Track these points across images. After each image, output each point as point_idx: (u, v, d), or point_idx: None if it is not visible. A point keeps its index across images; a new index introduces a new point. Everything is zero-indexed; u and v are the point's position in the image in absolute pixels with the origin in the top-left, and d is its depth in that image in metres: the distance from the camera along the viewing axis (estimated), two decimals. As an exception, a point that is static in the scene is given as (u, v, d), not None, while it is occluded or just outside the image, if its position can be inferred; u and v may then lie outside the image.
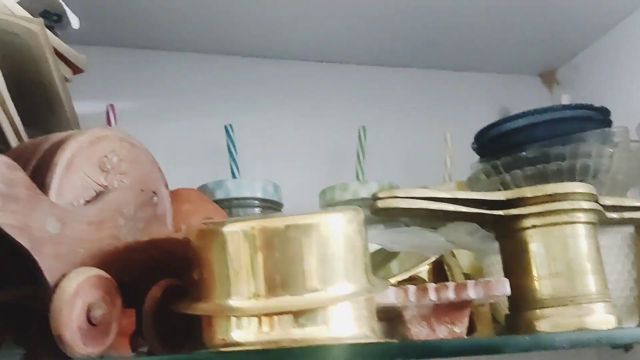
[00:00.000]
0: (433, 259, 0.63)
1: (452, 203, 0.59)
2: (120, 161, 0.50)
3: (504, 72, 1.11)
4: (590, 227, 0.60)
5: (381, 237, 0.70)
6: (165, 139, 0.89)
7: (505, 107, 1.00)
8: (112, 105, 0.81)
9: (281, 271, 0.43)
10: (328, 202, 0.84)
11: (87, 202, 0.47)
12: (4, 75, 0.55)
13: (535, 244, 0.59)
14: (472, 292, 0.53)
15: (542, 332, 0.56)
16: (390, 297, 0.53)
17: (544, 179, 0.68)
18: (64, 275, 0.42)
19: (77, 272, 0.42)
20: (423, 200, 0.57)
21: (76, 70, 0.69)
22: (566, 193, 0.59)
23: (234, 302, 0.43)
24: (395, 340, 0.51)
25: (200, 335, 0.46)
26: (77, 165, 0.46)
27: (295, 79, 1.01)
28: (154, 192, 0.53)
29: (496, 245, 0.63)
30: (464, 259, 0.77)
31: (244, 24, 0.92)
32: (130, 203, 0.49)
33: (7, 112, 0.55)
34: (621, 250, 0.67)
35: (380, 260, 0.74)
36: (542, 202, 0.59)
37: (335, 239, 0.45)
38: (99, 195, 0.47)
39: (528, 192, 0.59)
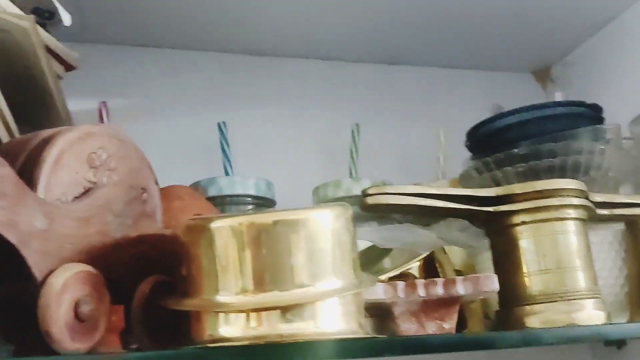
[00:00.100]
0: (424, 255, 0.63)
1: (442, 199, 0.59)
2: (109, 157, 0.50)
3: (497, 69, 1.11)
4: (580, 224, 0.60)
5: (373, 234, 0.70)
6: (158, 136, 0.89)
7: (498, 104, 1.00)
8: (104, 103, 0.81)
9: (269, 267, 0.43)
10: (321, 199, 0.85)
11: (76, 198, 0.47)
12: (-5, 71, 0.55)
13: (525, 240, 0.59)
14: (461, 288, 0.53)
15: (532, 328, 0.56)
16: (379, 293, 0.53)
17: (535, 175, 0.69)
18: (51, 271, 0.42)
19: (65, 267, 0.43)
20: (412, 197, 0.57)
21: (68, 67, 0.69)
22: (556, 189, 0.59)
23: (221, 297, 0.44)
24: (383, 336, 0.51)
25: (188, 331, 0.46)
26: (65, 161, 0.46)
27: (289, 76, 1.01)
28: (143, 189, 0.53)
29: (487, 241, 0.64)
30: (455, 255, 0.77)
31: (237, 21, 0.92)
32: (119, 199, 0.49)
33: (-2, 109, 0.55)
34: (612, 246, 0.67)
35: (373, 257, 0.74)
36: (532, 199, 0.59)
37: (323, 235, 0.45)
38: (87, 191, 0.47)
39: (518, 188, 0.60)
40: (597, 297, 0.58)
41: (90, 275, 0.44)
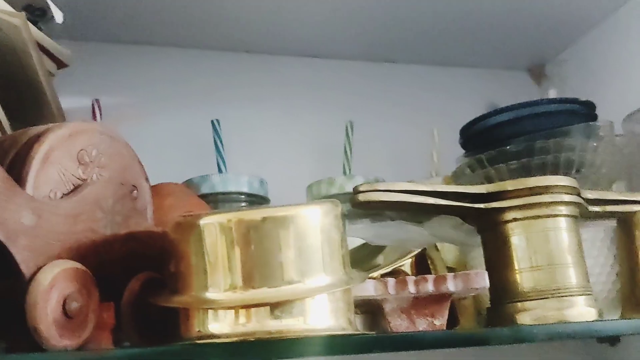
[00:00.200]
0: (415, 252, 0.63)
1: (433, 196, 0.59)
2: (100, 155, 0.50)
3: (492, 67, 1.11)
4: (571, 220, 0.60)
5: (365, 231, 0.70)
6: (152, 133, 0.89)
7: (493, 102, 1.00)
8: (97, 100, 0.81)
9: (258, 263, 0.43)
10: (314, 197, 0.85)
11: (65, 195, 0.47)
12: (-14, 69, 0.55)
13: (517, 237, 0.59)
14: (452, 284, 0.53)
15: (523, 324, 0.56)
16: (370, 289, 0.53)
17: (528, 172, 0.69)
18: (39, 268, 0.42)
19: (53, 264, 0.42)
20: (403, 194, 0.57)
21: (61, 64, 0.69)
22: (547, 186, 0.59)
23: (210, 294, 0.44)
24: (372, 333, 0.51)
25: (178, 328, 0.46)
26: (54, 158, 0.46)
27: (283, 74, 1.00)
28: (134, 186, 0.53)
29: (479, 238, 0.63)
30: (449, 252, 0.77)
31: (231, 19, 0.92)
32: (108, 196, 0.49)
33: (-9, 106, 0.55)
34: (604, 243, 0.67)
35: (366, 255, 0.74)
36: (523, 196, 0.59)
37: (312, 231, 0.45)
38: (76, 188, 0.47)
39: (509, 185, 0.60)
40: (588, 294, 0.58)
41: (79, 272, 0.44)
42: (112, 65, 0.92)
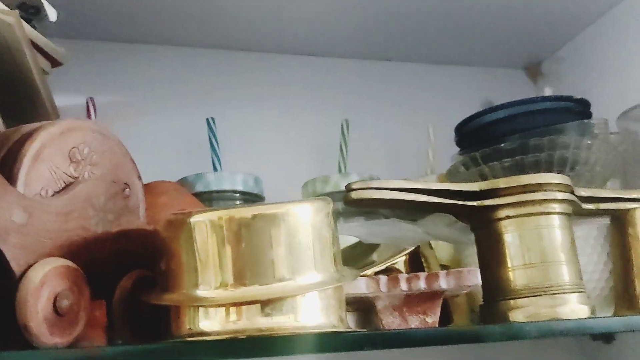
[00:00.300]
0: (409, 250, 0.63)
1: (426, 194, 0.59)
2: (92, 152, 0.50)
3: (488, 65, 1.11)
4: (564, 218, 0.60)
5: (358, 230, 0.70)
6: (147, 132, 0.89)
7: (489, 100, 1.00)
8: (91, 99, 0.81)
9: (249, 261, 0.43)
10: (310, 195, 0.85)
11: (56, 192, 0.47)
12: (-20, 67, 0.55)
13: (510, 235, 0.59)
14: (444, 282, 0.54)
15: (514, 322, 0.56)
16: (362, 287, 0.53)
17: (522, 170, 0.69)
18: (30, 266, 0.42)
19: (44, 262, 0.43)
20: (397, 192, 0.57)
21: (55, 63, 0.68)
22: (540, 184, 0.59)
23: (201, 292, 0.44)
24: (364, 330, 0.51)
25: (169, 326, 0.46)
26: (46, 155, 0.46)
27: (278, 72, 1.00)
28: (126, 184, 0.53)
29: (473, 236, 0.63)
30: (443, 250, 0.77)
31: (226, 17, 0.92)
32: (100, 194, 0.49)
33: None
34: (597, 241, 0.67)
35: (360, 253, 0.74)
36: (516, 193, 0.59)
37: (303, 229, 0.45)
38: (68, 186, 0.47)
39: (502, 182, 0.59)
40: (581, 292, 0.58)
41: (70, 270, 0.44)
42: (107, 64, 0.92)
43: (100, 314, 0.50)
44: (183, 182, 0.80)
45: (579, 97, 0.76)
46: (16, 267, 0.42)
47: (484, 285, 0.60)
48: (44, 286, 0.42)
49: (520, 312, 0.57)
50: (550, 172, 0.67)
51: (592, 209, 0.65)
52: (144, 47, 0.95)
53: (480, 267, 0.61)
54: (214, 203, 0.79)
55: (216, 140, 0.86)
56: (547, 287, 0.57)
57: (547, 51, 1.10)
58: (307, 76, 1.02)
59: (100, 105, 0.82)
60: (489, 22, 1.00)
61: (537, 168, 0.69)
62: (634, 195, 0.67)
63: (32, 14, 0.68)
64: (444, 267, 0.71)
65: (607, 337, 0.93)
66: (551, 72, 1.11)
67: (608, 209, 0.65)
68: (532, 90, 1.12)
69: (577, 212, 0.63)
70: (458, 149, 0.81)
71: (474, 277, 0.54)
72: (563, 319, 0.55)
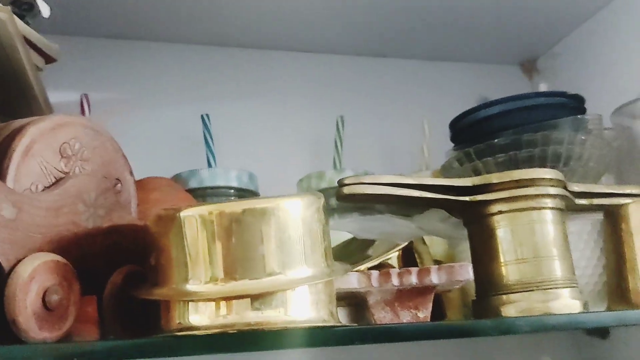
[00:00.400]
0: (402, 246, 0.63)
1: (419, 189, 0.59)
2: (83, 148, 0.50)
3: (484, 61, 1.11)
4: (557, 213, 0.60)
5: (352, 225, 0.70)
6: (141, 128, 0.89)
7: (484, 96, 1.00)
8: (85, 95, 0.81)
9: (239, 255, 0.43)
10: (304, 191, 0.85)
11: (47, 188, 0.47)
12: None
13: (502, 230, 0.59)
14: (435, 277, 0.54)
15: (505, 316, 0.56)
16: (353, 282, 0.53)
17: (515, 166, 0.68)
18: (19, 260, 0.42)
19: (33, 257, 0.43)
20: (389, 187, 0.57)
21: (49, 59, 0.68)
22: (532, 179, 0.59)
23: (191, 286, 0.44)
24: (354, 325, 0.51)
25: (159, 321, 0.46)
26: (36, 151, 0.46)
27: (273, 69, 1.00)
28: (117, 180, 0.53)
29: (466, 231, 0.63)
30: (438, 246, 0.77)
31: (221, 14, 0.92)
32: (91, 189, 0.49)
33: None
34: (591, 236, 0.67)
35: (355, 248, 0.75)
36: (509, 188, 0.59)
37: (293, 223, 0.45)
38: (58, 181, 0.47)
39: (494, 178, 0.59)
40: (573, 287, 0.58)
41: (59, 265, 0.44)
42: (101, 60, 0.91)
43: (92, 310, 0.50)
44: (177, 178, 0.80)
45: (573, 92, 0.76)
46: (5, 262, 0.42)
47: (476, 281, 0.60)
48: (32, 281, 0.42)
49: (513, 307, 0.57)
50: (544, 167, 0.67)
51: (585, 204, 0.65)
52: (139, 43, 0.94)
53: (472, 262, 0.61)
54: (208, 199, 0.79)
55: (210, 136, 0.86)
56: (539, 282, 0.58)
57: (543, 47, 1.10)
58: (302, 73, 1.02)
59: (94, 102, 0.82)
60: (484, 18, 1.00)
61: (530, 163, 0.68)
62: (627, 191, 0.67)
63: (25, 10, 0.68)
64: (437, 262, 0.71)
65: (602, 332, 0.93)
66: (546, 68, 1.11)
67: (601, 204, 0.65)
68: (527, 86, 1.12)
69: (570, 208, 0.63)
70: (453, 144, 0.81)
71: (466, 272, 0.54)
72: (555, 314, 0.55)
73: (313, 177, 0.85)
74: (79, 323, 0.51)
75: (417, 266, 0.66)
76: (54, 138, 0.48)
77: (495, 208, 0.59)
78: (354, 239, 0.72)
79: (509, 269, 0.58)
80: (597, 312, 0.60)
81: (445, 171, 0.76)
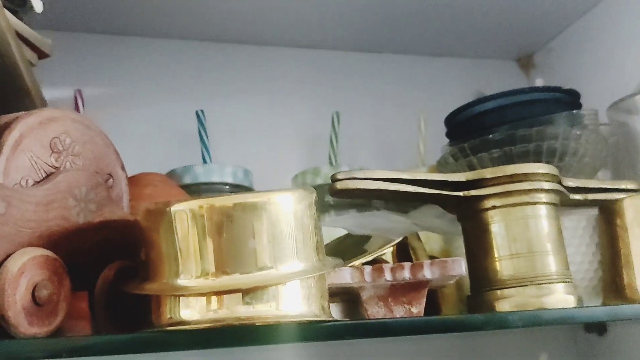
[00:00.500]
0: (396, 242, 0.63)
1: (412, 184, 0.59)
2: (73, 143, 0.50)
3: (481, 57, 1.11)
4: (551, 208, 0.60)
5: (348, 221, 0.70)
6: (136, 124, 0.89)
7: (481, 91, 1.00)
8: (79, 91, 0.81)
9: (230, 250, 0.43)
10: (300, 187, 0.84)
11: (37, 182, 0.46)
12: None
13: (496, 225, 0.59)
14: (428, 272, 0.53)
15: (497, 311, 0.56)
16: (346, 277, 0.53)
17: (510, 161, 0.68)
18: (9, 255, 0.42)
19: (23, 252, 0.42)
20: (382, 182, 0.57)
21: (42, 55, 0.68)
22: (526, 174, 0.59)
23: (182, 281, 0.43)
24: (346, 320, 0.51)
25: (150, 316, 0.46)
26: (25, 145, 0.46)
27: (268, 64, 1.00)
28: (109, 175, 0.53)
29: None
30: (435, 243, 0.77)
31: (215, 9, 0.91)
32: (81, 184, 0.48)
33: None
34: (586, 231, 0.67)
35: (352, 244, 0.74)
36: (502, 183, 0.59)
37: (285, 218, 0.45)
38: (49, 176, 0.47)
39: (488, 173, 0.59)
40: (567, 282, 0.58)
41: (49, 260, 0.44)
42: (95, 56, 0.91)
43: (86, 306, 0.50)
44: (171, 174, 0.79)
45: (570, 88, 0.76)
46: (-6, 257, 0.41)
47: (471, 276, 0.60)
48: (22, 276, 0.42)
49: (507, 302, 0.57)
50: (539, 162, 0.67)
51: (580, 200, 0.64)
52: (133, 39, 0.94)
53: (467, 257, 0.61)
54: (203, 195, 0.78)
55: (205, 132, 0.85)
56: (533, 277, 0.57)
57: (540, 42, 1.10)
58: (298, 68, 1.01)
59: (88, 98, 0.82)
60: (481, 13, 1.00)
61: (525, 159, 0.68)
62: (622, 186, 0.67)
63: (17, 5, 0.68)
64: (431, 258, 0.71)
65: (599, 329, 0.93)
66: (543, 63, 1.11)
67: (596, 200, 0.65)
68: (524, 81, 1.11)
69: (564, 203, 0.63)
70: (448, 140, 0.81)
71: (459, 267, 0.54)
72: (548, 309, 0.55)
73: (308, 173, 0.84)
74: (72, 319, 0.51)
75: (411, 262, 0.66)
76: (44, 133, 0.48)
77: (489, 203, 0.59)
78: (349, 235, 0.72)
79: (503, 264, 0.58)
80: (590, 306, 0.60)
81: (440, 167, 0.76)
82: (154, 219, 0.45)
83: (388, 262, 0.63)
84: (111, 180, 0.53)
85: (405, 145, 0.95)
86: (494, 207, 0.59)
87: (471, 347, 0.95)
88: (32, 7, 0.68)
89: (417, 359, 0.92)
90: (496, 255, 0.59)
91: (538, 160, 0.68)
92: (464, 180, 0.60)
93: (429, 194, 0.59)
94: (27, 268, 0.42)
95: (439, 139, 0.83)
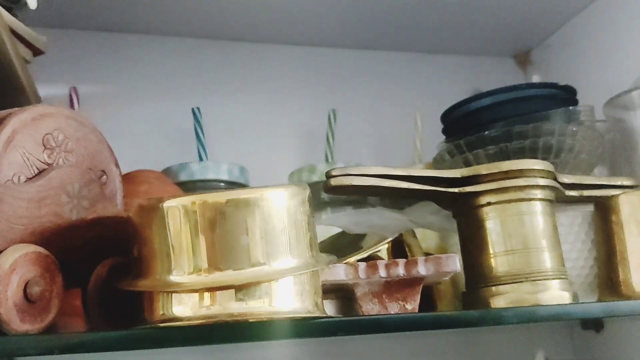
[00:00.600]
0: (390, 239, 0.63)
1: (407, 181, 0.58)
2: (66, 139, 0.50)
3: (478, 53, 1.11)
4: (546, 204, 0.60)
5: (343, 219, 0.70)
6: (131, 122, 0.89)
7: (478, 88, 0.99)
8: (74, 88, 0.80)
9: (223, 246, 0.43)
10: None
11: (29, 179, 0.46)
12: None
13: (491, 221, 0.59)
14: (422, 268, 0.53)
15: (491, 307, 0.56)
16: (341, 274, 0.52)
17: (506, 157, 0.68)
18: (0, 252, 0.42)
19: (14, 248, 0.42)
20: (376, 178, 0.57)
21: (37, 52, 0.68)
22: (521, 170, 0.59)
23: (175, 277, 0.43)
24: (339, 316, 0.51)
25: (143, 312, 0.46)
26: (17, 141, 0.46)
27: (265, 62, 1.00)
28: (103, 171, 0.53)
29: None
30: (431, 240, 0.77)
31: (211, 6, 0.91)
32: (74, 181, 0.48)
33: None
34: (581, 228, 0.67)
35: (348, 242, 0.74)
36: (498, 179, 0.59)
37: (278, 214, 0.44)
38: (41, 172, 0.47)
39: (483, 169, 0.59)
40: (562, 278, 0.58)
41: (41, 256, 0.43)
42: (90, 53, 0.91)
43: (79, 303, 0.50)
44: (167, 171, 0.79)
45: (564, 84, 0.76)
46: (-14, 253, 0.41)
47: (466, 272, 0.60)
48: (14, 272, 0.41)
49: (502, 299, 0.57)
50: (535, 159, 0.67)
51: (575, 196, 0.64)
52: (128, 36, 0.94)
53: (462, 253, 0.60)
54: (198, 193, 0.78)
55: (201, 129, 0.85)
56: (528, 274, 0.57)
57: (537, 39, 1.09)
58: (294, 65, 1.01)
59: (83, 95, 0.82)
60: (478, 10, 0.99)
61: (521, 155, 0.68)
62: (617, 182, 0.66)
63: (12, 1, 0.67)
64: (427, 255, 0.71)
65: (596, 325, 0.93)
66: (540, 60, 1.10)
67: (592, 196, 0.65)
68: (521, 78, 1.11)
69: (560, 199, 0.63)
70: (445, 137, 0.81)
71: (453, 263, 0.54)
72: (543, 305, 0.55)
73: (304, 170, 0.84)
74: (65, 316, 0.51)
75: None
76: (36, 129, 0.48)
77: (484, 199, 0.59)
78: (344, 232, 0.71)
79: (498, 261, 0.58)
80: (586, 303, 0.60)
81: (436, 164, 0.76)
82: (146, 215, 0.45)
83: (383, 259, 0.63)
84: (105, 176, 0.53)
85: (402, 143, 0.95)
86: (489, 204, 0.59)
87: (468, 344, 0.95)
88: (26, 3, 0.67)
89: (413, 357, 0.92)
90: (491, 251, 0.59)
91: (534, 156, 0.68)
92: (459, 176, 0.59)
93: (424, 190, 0.59)
94: (19, 265, 0.42)
95: (435, 136, 0.83)
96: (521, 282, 0.57)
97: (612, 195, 0.65)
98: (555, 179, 0.62)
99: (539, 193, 0.59)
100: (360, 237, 0.73)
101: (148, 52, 0.94)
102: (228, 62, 0.98)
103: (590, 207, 0.67)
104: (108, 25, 0.92)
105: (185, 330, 0.42)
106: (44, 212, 0.46)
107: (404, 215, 0.71)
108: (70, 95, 0.80)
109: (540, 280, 0.57)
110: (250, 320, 0.42)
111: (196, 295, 0.43)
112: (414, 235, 0.68)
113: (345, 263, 0.54)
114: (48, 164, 0.48)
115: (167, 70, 0.94)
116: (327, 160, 0.90)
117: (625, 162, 0.79)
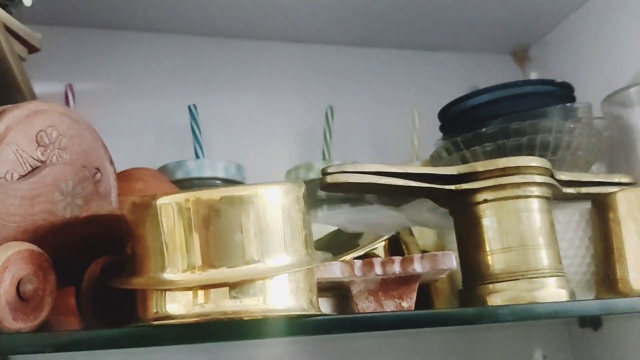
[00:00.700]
0: (387, 237, 0.62)
1: (404, 178, 0.58)
2: (60, 136, 0.49)
3: (476, 51, 1.10)
4: (543, 201, 0.60)
5: (340, 217, 0.70)
6: (128, 119, 0.88)
7: (476, 86, 0.99)
8: (70, 85, 0.80)
9: (217, 243, 0.43)
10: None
11: (22, 176, 0.46)
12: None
13: (488, 219, 0.59)
14: (419, 266, 0.53)
15: (487, 305, 0.55)
16: (336, 272, 0.52)
17: (503, 154, 0.68)
18: (-8, 250, 0.42)
19: (7, 246, 0.42)
20: (372, 175, 0.57)
21: (32, 49, 0.68)
22: (518, 167, 0.59)
23: (168, 275, 0.43)
24: (333, 314, 0.50)
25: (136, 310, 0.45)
26: (11, 138, 0.46)
27: (262, 59, 0.99)
28: (97, 169, 0.52)
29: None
30: (429, 238, 0.77)
31: (207, 3, 0.91)
32: (68, 178, 0.48)
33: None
34: (579, 225, 0.66)
35: (345, 238, 0.74)
36: (494, 177, 0.59)
37: (272, 211, 0.44)
38: (34, 170, 0.47)
39: (480, 166, 0.59)
40: (559, 276, 0.58)
41: (34, 254, 0.43)
42: (86, 50, 0.90)
43: (73, 301, 0.50)
44: (164, 169, 0.79)
45: (561, 80, 0.75)
46: (-22, 251, 0.41)
47: (462, 270, 0.60)
48: (6, 270, 0.41)
49: (499, 296, 0.57)
50: (532, 156, 0.66)
51: (572, 193, 0.64)
52: (124, 33, 0.93)
53: (459, 251, 0.60)
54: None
55: (198, 127, 0.85)
56: (525, 271, 0.57)
57: (535, 36, 1.09)
58: (291, 63, 1.01)
59: (79, 92, 0.82)
60: (476, 7, 0.99)
61: (519, 152, 0.68)
62: (615, 180, 0.66)
63: (7, -1, 0.67)
64: (424, 253, 0.71)
65: (594, 323, 0.93)
66: (539, 57, 1.10)
67: (589, 193, 0.65)
68: (519, 75, 1.11)
69: (557, 196, 0.63)
70: (442, 134, 0.80)
71: (449, 261, 0.54)
72: (540, 303, 0.54)
73: (301, 168, 0.84)
74: (59, 315, 0.51)
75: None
76: (30, 126, 0.47)
77: (480, 197, 0.59)
78: (341, 230, 0.71)
79: (494, 258, 0.58)
80: (583, 300, 0.59)
81: (434, 161, 0.75)
82: (140, 212, 0.44)
83: (379, 257, 0.63)
84: (99, 174, 0.53)
85: (400, 140, 0.95)
86: (485, 201, 0.59)
87: (465, 342, 0.95)
88: (21, 1, 0.67)
89: (410, 355, 0.92)
90: (488, 249, 0.58)
91: (531, 153, 0.67)
92: (455, 173, 0.59)
93: (421, 187, 0.59)
94: (12, 262, 0.41)
95: (433, 134, 0.83)
96: (518, 279, 0.57)
97: (610, 193, 0.64)
98: (552, 176, 0.61)
99: (536, 190, 0.59)
100: (357, 235, 0.72)
101: (144, 50, 0.94)
102: (224, 59, 0.97)
103: (587, 205, 0.67)
104: (103, 23, 0.91)
105: (179, 329, 0.42)
106: (37, 209, 0.45)
107: (401, 213, 0.71)
108: (66, 93, 0.80)
109: (537, 277, 0.57)
110: (244, 319, 0.42)
111: (190, 293, 0.43)
112: (411, 233, 0.68)
113: (341, 261, 0.54)
114: (41, 161, 0.48)
115: (163, 68, 0.94)
116: (324, 157, 0.89)
117: (622, 159, 0.78)
